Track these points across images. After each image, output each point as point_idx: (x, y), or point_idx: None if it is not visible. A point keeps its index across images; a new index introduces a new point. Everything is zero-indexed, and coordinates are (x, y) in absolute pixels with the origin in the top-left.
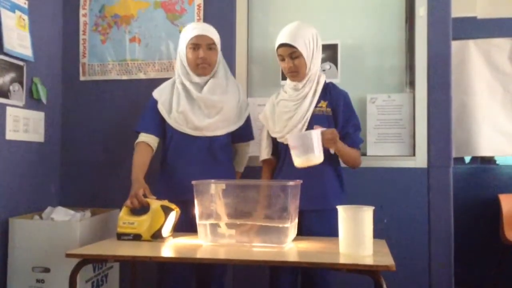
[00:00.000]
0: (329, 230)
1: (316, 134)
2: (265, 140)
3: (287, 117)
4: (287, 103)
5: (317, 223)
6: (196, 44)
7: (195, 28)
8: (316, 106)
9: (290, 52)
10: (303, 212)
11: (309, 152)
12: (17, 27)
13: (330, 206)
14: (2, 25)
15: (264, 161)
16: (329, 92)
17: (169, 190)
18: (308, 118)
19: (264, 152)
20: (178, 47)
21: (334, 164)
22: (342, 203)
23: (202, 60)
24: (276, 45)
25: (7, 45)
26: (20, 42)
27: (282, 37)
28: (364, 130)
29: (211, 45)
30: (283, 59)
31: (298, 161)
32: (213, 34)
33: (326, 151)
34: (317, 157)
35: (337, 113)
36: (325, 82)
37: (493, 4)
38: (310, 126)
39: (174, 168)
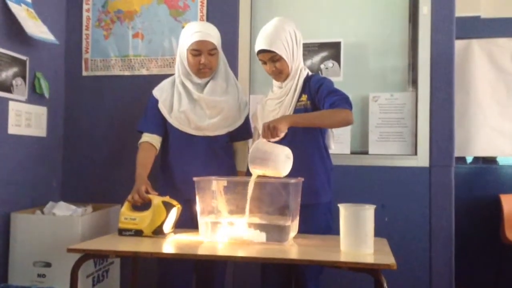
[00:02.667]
0: (315, 226)
1: (257, 142)
2: (256, 138)
3: (272, 116)
4: (272, 102)
5: (302, 221)
6: (197, 50)
7: (196, 32)
8: (298, 101)
9: (270, 56)
10: None
11: (271, 157)
12: (29, 18)
13: (317, 201)
14: (15, 14)
15: None
16: (308, 84)
17: (172, 189)
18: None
19: None
20: (178, 46)
21: (323, 158)
22: (328, 198)
23: (203, 65)
24: (255, 50)
25: (29, 31)
26: (39, 29)
27: (260, 43)
28: (366, 128)
29: (212, 51)
30: (264, 63)
31: (282, 172)
32: (214, 38)
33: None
34: (280, 151)
35: (313, 93)
36: (307, 75)
37: (497, 3)
38: None
39: (176, 168)
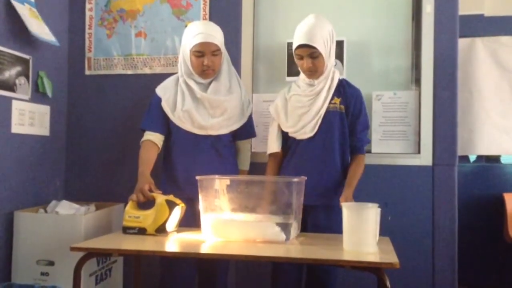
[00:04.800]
0: (336, 225)
1: None
2: (275, 133)
3: (300, 112)
4: (301, 98)
5: (325, 218)
6: (200, 51)
7: (199, 33)
8: (330, 103)
9: (310, 52)
10: (310, 207)
11: None
12: (32, 17)
13: (336, 203)
14: (19, 13)
15: (272, 154)
16: (343, 89)
17: (174, 188)
18: (322, 114)
19: (274, 145)
20: (181, 45)
21: (344, 161)
22: None
23: (206, 67)
24: (295, 45)
25: (33, 31)
26: (41, 30)
27: (301, 37)
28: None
29: (215, 52)
30: (301, 58)
31: None
32: (217, 38)
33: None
34: None
35: (349, 109)
36: (338, 79)
37: (500, 1)
38: (324, 122)
39: (179, 166)
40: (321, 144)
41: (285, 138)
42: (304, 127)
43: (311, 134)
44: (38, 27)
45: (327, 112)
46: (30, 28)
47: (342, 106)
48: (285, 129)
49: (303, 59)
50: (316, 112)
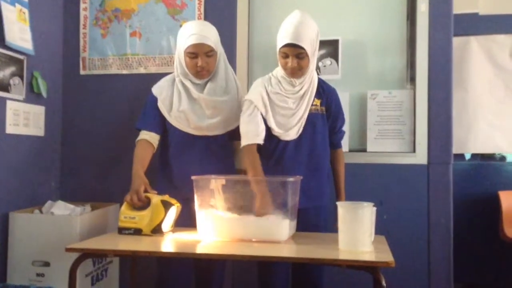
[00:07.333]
0: (324, 225)
1: None
2: (260, 123)
3: (286, 114)
4: (286, 99)
5: (314, 219)
6: (194, 52)
7: (192, 34)
8: (311, 104)
9: (297, 52)
10: (299, 209)
11: None
12: (18, 21)
13: (324, 203)
14: (2, 18)
15: (253, 145)
16: (322, 90)
17: (170, 188)
18: (306, 117)
19: (261, 136)
20: (176, 46)
21: (328, 164)
22: (330, 200)
23: (201, 68)
24: (282, 43)
25: (9, 39)
26: (21, 36)
27: (289, 36)
28: (364, 126)
29: (209, 52)
30: (286, 57)
31: None
32: (211, 39)
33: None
34: None
35: (330, 110)
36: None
37: (495, 0)
38: (308, 124)
39: (174, 166)
40: (307, 148)
41: (267, 136)
42: (290, 129)
43: (295, 137)
44: (19, 32)
45: (310, 114)
46: (8, 35)
47: (323, 108)
48: (274, 127)
49: (288, 58)
50: (301, 116)
